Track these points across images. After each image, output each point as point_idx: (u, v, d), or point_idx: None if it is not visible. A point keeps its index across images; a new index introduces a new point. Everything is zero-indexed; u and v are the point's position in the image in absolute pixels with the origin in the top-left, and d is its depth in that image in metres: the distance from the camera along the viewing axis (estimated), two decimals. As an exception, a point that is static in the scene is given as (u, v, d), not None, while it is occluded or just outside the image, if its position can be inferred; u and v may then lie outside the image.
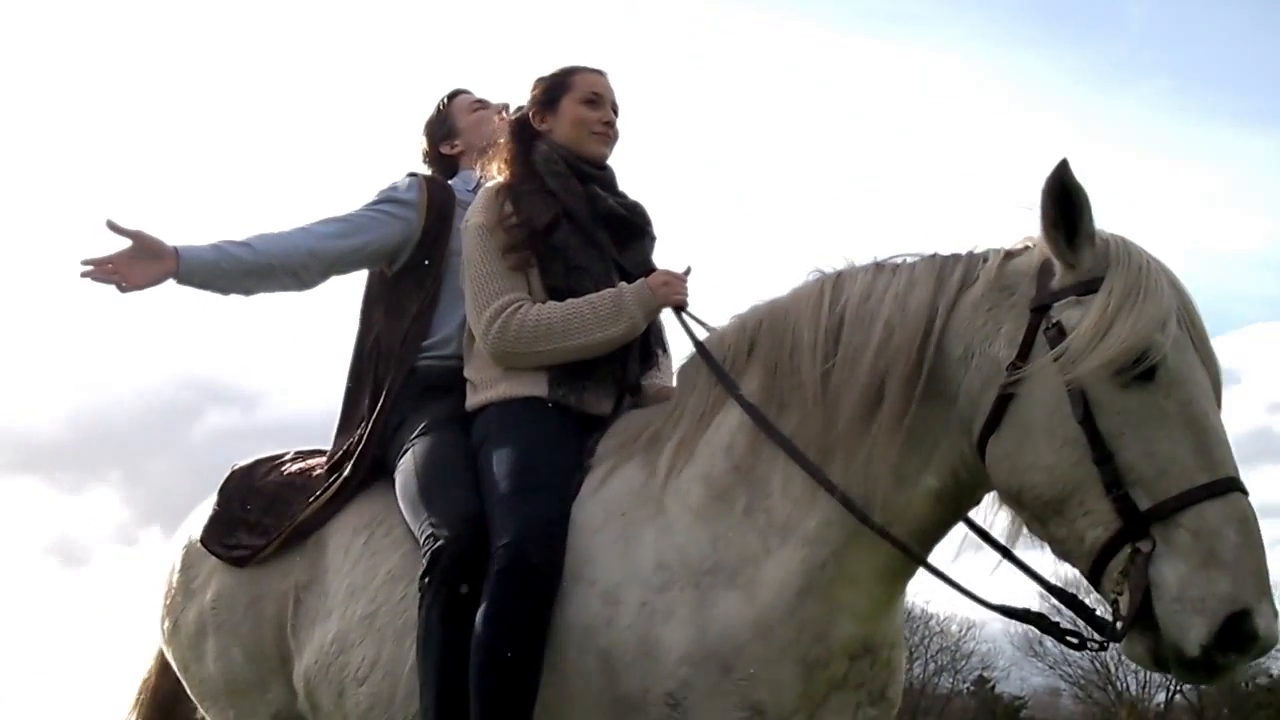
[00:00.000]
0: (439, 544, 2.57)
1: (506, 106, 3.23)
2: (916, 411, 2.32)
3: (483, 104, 3.46)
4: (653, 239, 3.08)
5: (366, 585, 2.87)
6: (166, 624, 3.37)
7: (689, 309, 2.84)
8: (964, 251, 2.43)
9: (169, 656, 3.44)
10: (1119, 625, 2.05)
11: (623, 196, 3.06)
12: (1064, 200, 2.16)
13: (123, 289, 2.86)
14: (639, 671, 2.36)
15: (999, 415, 2.22)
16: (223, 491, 3.32)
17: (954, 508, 2.40)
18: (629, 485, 2.60)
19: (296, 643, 3.04)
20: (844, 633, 2.40)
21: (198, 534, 3.30)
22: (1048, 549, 2.26)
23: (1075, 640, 2.29)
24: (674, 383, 2.91)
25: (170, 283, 2.96)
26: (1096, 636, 2.23)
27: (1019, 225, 2.37)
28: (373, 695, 2.77)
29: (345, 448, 3.13)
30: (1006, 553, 2.43)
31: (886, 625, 2.52)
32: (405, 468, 2.87)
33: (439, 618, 2.54)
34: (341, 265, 3.20)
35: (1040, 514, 2.20)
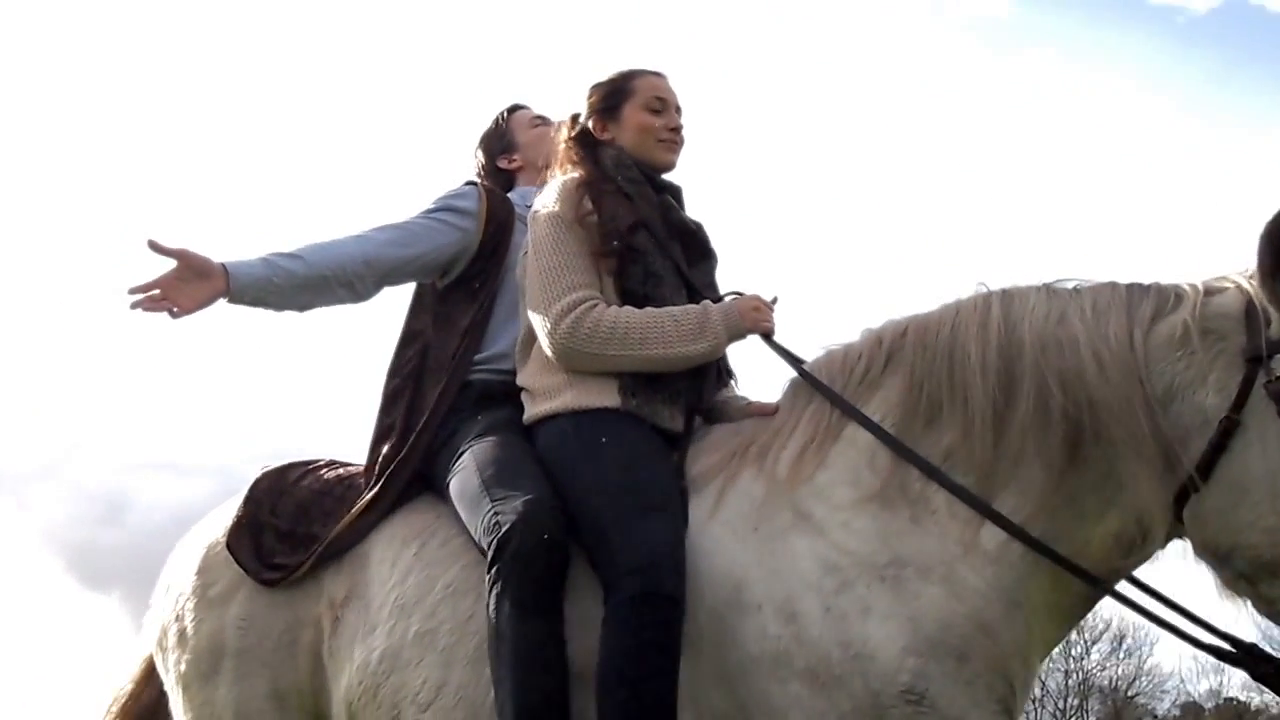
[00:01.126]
0: (507, 529, 2.43)
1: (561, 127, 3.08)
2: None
3: (544, 120, 3.35)
4: (717, 260, 2.97)
5: (421, 599, 2.68)
6: (172, 630, 3.08)
7: (775, 338, 2.72)
8: (1148, 282, 2.33)
9: (162, 665, 3.15)
10: None
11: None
12: None
13: (174, 315, 2.71)
14: (858, 678, 2.19)
15: (1206, 469, 2.13)
16: (250, 495, 3.09)
17: (1128, 555, 2.30)
18: (750, 499, 2.45)
19: (334, 665, 2.81)
20: (1033, 668, 2.31)
21: (221, 536, 3.05)
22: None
23: None
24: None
25: (220, 303, 2.78)
26: None
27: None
28: None
29: (385, 458, 2.97)
30: (1174, 606, 2.32)
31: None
32: (465, 467, 2.72)
33: (513, 605, 2.39)
34: (397, 275, 3.06)
35: (1252, 575, 2.13)
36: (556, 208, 2.72)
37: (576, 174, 2.82)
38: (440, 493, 2.89)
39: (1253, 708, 34.64)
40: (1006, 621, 2.24)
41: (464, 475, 2.70)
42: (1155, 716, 35.63)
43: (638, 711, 2.26)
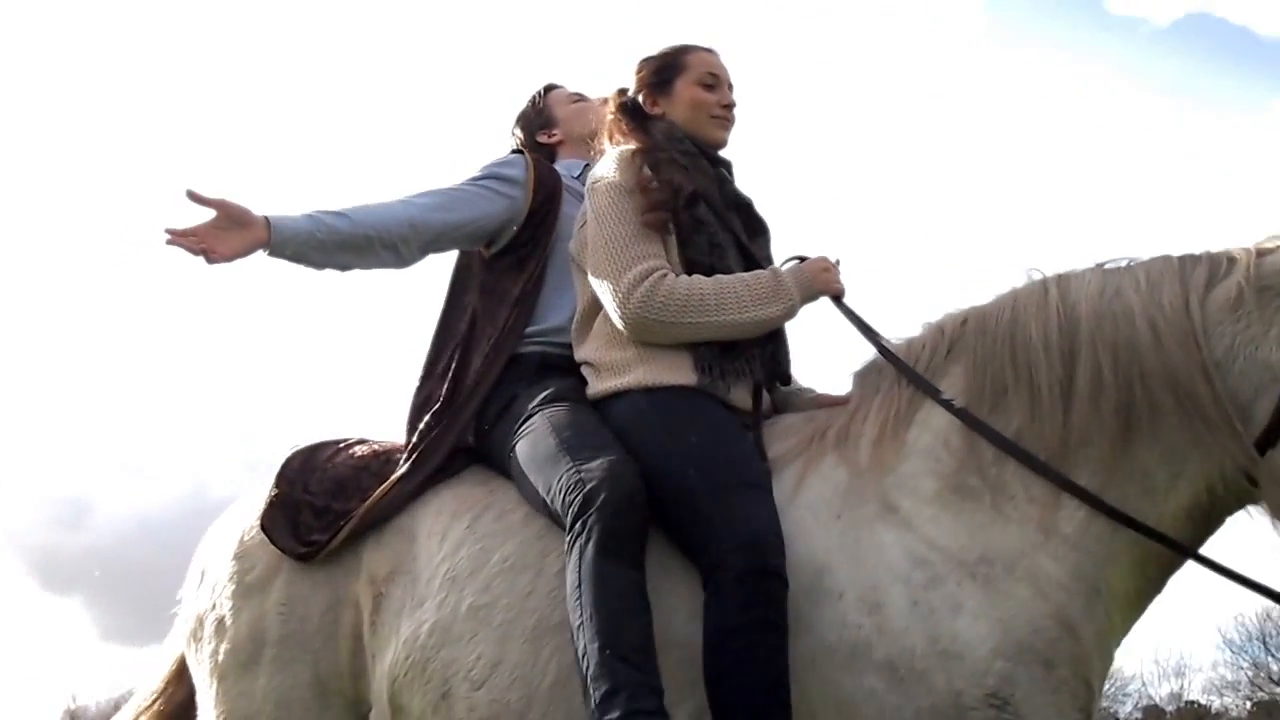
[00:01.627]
0: (594, 484, 2.36)
1: (607, 101, 3.04)
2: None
3: (581, 97, 3.33)
4: (770, 235, 2.91)
5: (475, 572, 2.59)
6: (209, 619, 2.94)
7: (845, 302, 2.69)
8: (1199, 251, 2.35)
9: (195, 657, 3.01)
10: None
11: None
12: None
13: (210, 260, 2.63)
14: (942, 675, 2.16)
15: None
16: (282, 474, 2.98)
17: (1202, 528, 2.30)
18: (833, 486, 2.43)
19: (377, 641, 2.72)
20: (1109, 660, 2.30)
21: (254, 520, 2.94)
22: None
23: None
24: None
25: (259, 255, 2.71)
26: None
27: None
28: (498, 704, 2.47)
29: (425, 428, 2.90)
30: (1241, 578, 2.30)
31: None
32: (535, 429, 2.64)
33: (600, 552, 2.30)
34: (443, 241, 3.00)
35: None
36: (616, 176, 2.68)
37: (632, 144, 2.77)
38: (492, 465, 2.83)
39: (1213, 711, 35.08)
40: (1088, 613, 2.23)
41: (536, 437, 2.63)
42: (1117, 719, 35.99)
43: (758, 692, 2.19)
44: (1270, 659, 33.22)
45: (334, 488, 2.93)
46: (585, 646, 2.28)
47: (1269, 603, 2.23)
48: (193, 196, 2.62)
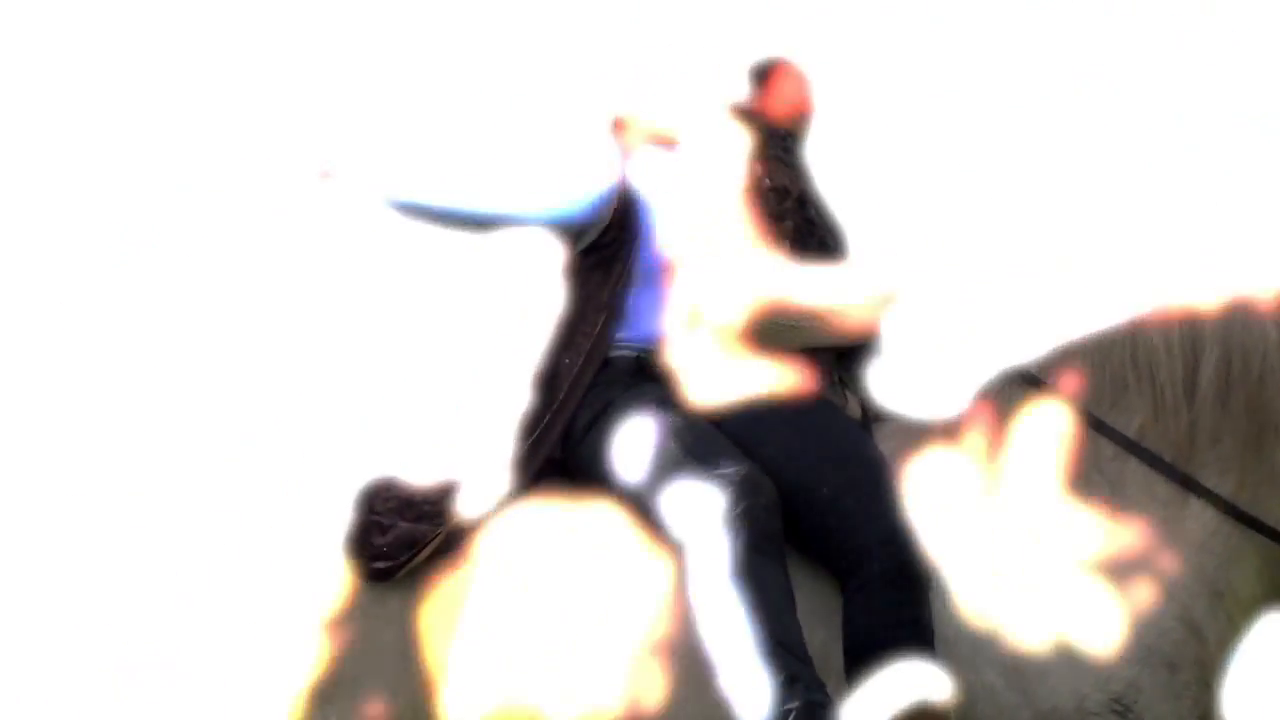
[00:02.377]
0: (733, 490, 2.30)
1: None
2: None
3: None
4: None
5: (563, 594, 2.50)
6: (278, 651, 2.75)
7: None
8: None
9: (250, 696, 2.79)
10: None
11: None
12: None
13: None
14: (1066, 675, 2.12)
15: None
16: (357, 504, 2.85)
17: None
18: (942, 478, 2.36)
19: (451, 672, 2.58)
20: (1228, 665, 2.25)
21: (321, 550, 2.80)
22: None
23: None
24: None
25: None
26: None
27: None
28: None
29: (518, 445, 2.77)
30: None
31: None
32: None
33: (751, 549, 2.25)
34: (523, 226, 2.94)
35: None
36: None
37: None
38: (577, 478, 2.74)
39: None
40: (1210, 615, 2.20)
41: (650, 443, 2.55)
42: None
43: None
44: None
45: (401, 506, 2.82)
46: (750, 638, 2.20)
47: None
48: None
